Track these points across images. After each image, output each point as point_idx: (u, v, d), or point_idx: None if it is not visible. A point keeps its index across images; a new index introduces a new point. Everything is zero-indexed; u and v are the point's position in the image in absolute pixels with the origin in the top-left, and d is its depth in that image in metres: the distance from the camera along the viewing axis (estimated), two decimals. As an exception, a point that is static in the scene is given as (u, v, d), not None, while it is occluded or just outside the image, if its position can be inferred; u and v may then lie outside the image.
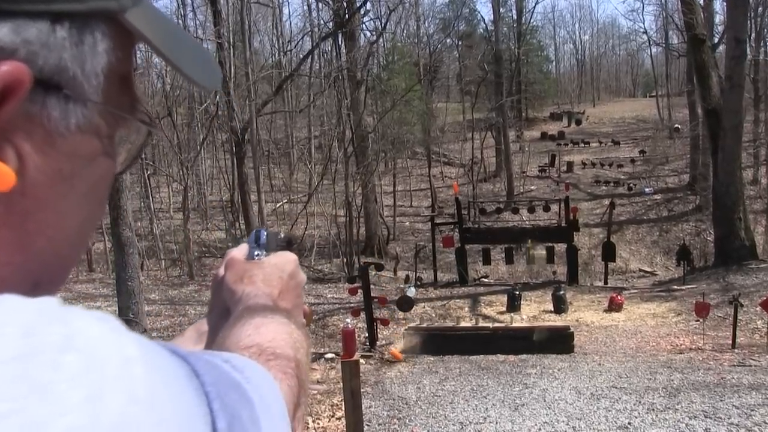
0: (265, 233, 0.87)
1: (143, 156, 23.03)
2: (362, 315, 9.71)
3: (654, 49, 50.34)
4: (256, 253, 0.84)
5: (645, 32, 46.67)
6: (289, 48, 32.01)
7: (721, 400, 6.31)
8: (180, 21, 27.14)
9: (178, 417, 0.37)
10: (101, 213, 0.50)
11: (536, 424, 5.99)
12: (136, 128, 0.52)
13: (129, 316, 9.02)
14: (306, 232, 24.56)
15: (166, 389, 0.37)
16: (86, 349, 0.35)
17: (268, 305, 0.74)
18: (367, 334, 9.73)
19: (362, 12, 23.91)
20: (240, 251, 0.85)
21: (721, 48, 19.63)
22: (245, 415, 0.42)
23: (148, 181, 23.71)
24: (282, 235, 0.92)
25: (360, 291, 9.72)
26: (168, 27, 0.49)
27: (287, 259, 0.85)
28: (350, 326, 5.38)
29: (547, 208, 18.58)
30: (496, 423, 6.10)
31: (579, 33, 76.56)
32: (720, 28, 23.93)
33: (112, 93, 0.46)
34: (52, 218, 0.43)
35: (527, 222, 19.31)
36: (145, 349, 0.38)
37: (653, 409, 6.19)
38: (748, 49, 15.17)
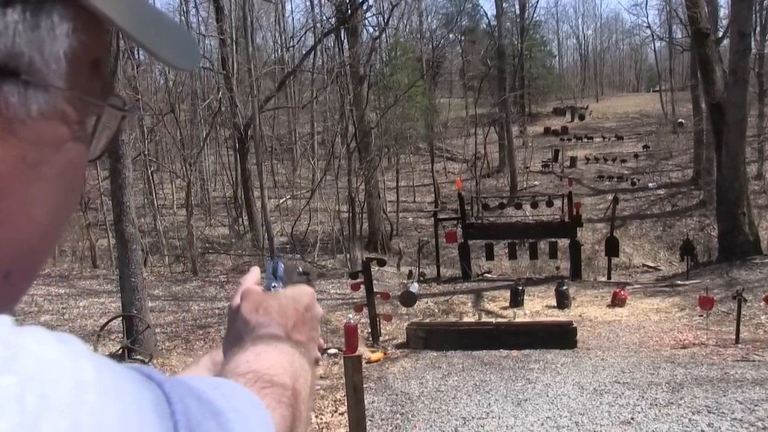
0: (283, 265, 0.88)
1: (146, 152, 23.07)
2: (365, 310, 9.73)
3: (657, 44, 50.21)
4: (273, 284, 0.85)
5: (648, 27, 46.61)
6: (291, 44, 32.02)
7: (725, 396, 6.30)
8: (182, 17, 27.14)
9: None
10: (74, 201, 0.49)
11: (539, 419, 5.99)
12: (110, 115, 0.50)
13: (132, 312, 9.05)
14: (309, 228, 24.56)
15: (121, 416, 0.36)
16: (28, 373, 0.33)
17: (276, 334, 0.75)
18: (369, 330, 9.74)
19: (364, 7, 23.90)
20: (252, 278, 0.86)
21: (726, 42, 19.55)
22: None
23: (151, 177, 23.70)
24: (300, 269, 0.93)
25: (363, 286, 9.73)
26: (139, 8, 0.47)
27: (304, 292, 0.85)
28: (352, 322, 5.38)
29: (550, 204, 18.55)
30: (499, 418, 6.10)
31: (582, 28, 76.40)
32: (724, 22, 23.88)
33: (81, 78, 0.44)
34: (18, 207, 0.42)
35: (530, 217, 19.26)
36: (104, 373, 0.37)
37: (656, 404, 6.18)
38: (752, 43, 15.10)
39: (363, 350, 8.74)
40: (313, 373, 0.72)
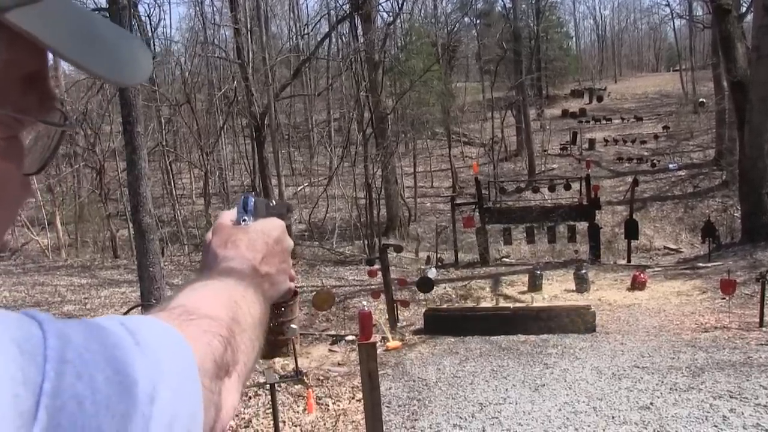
0: (253, 199, 0.88)
1: (164, 143, 23.21)
2: (383, 297, 9.71)
3: (677, 22, 49.39)
4: (243, 218, 0.86)
5: (668, 4, 45.96)
6: (306, 32, 31.91)
7: (748, 380, 6.20)
8: (197, 8, 27.17)
9: None
10: (5, 216, 0.48)
11: (556, 405, 5.94)
12: (44, 129, 0.50)
13: (151, 302, 9.12)
14: (327, 215, 24.62)
15: None
16: None
17: (234, 268, 0.76)
18: (387, 316, 9.73)
19: (378, -8, 23.73)
20: (228, 216, 0.87)
21: (749, 17, 19.11)
22: (101, 377, 0.41)
23: (169, 167, 23.89)
24: (273, 203, 0.93)
25: (380, 273, 9.71)
26: (80, 25, 0.46)
27: (274, 224, 0.87)
28: (366, 308, 5.37)
29: (568, 187, 18.38)
30: (516, 404, 6.06)
31: (599, 8, 75.44)
32: (747, -3, 23.29)
33: (10, 94, 0.44)
34: None
35: (549, 201, 19.10)
36: None
37: (676, 389, 6.11)
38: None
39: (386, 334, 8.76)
40: (259, 305, 0.73)
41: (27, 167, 0.49)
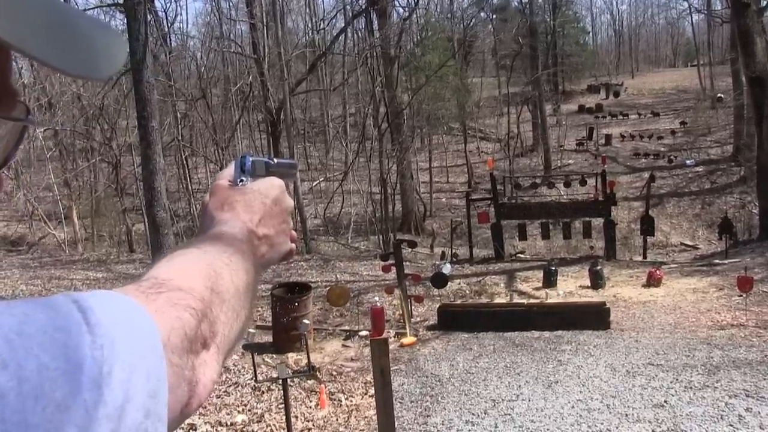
0: (251, 159, 0.86)
1: (180, 137, 23.34)
2: (397, 292, 9.69)
3: (695, 17, 48.72)
4: (240, 179, 0.84)
5: (686, -1, 45.17)
6: (321, 27, 31.94)
7: (764, 379, 6.14)
8: (213, 3, 27.29)
9: None
10: None
11: (569, 402, 5.91)
12: (8, 125, 0.48)
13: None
14: (342, 210, 24.66)
15: None
16: None
17: (225, 232, 0.74)
18: (401, 312, 9.72)
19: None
20: (227, 176, 0.84)
21: (768, 12, 18.86)
22: (32, 364, 0.38)
23: (185, 162, 24.03)
24: (274, 161, 0.90)
25: (393, 268, 9.68)
26: (45, 16, 0.44)
27: (272, 184, 0.84)
28: (378, 304, 5.37)
29: (583, 182, 18.26)
30: (529, 400, 6.04)
31: (616, 2, 74.70)
32: (767, -8, 22.96)
33: None
34: None
35: (564, 196, 19.00)
36: None
37: (691, 387, 6.05)
38: (797, 13, 14.54)
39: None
40: (246, 273, 0.69)
41: None
